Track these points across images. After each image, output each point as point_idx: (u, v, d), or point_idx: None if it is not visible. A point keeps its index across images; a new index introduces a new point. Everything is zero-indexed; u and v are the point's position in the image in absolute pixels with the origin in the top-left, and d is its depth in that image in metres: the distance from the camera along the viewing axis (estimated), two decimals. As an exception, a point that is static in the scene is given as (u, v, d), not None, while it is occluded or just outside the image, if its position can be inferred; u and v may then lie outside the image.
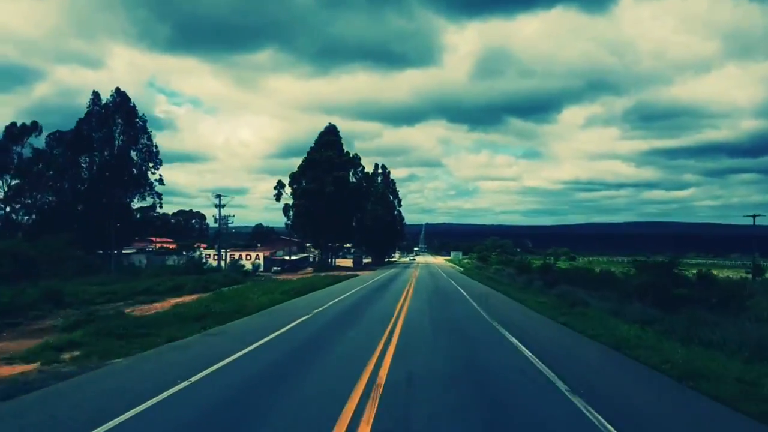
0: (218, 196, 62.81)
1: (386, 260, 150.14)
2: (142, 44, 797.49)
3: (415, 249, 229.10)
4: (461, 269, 75.52)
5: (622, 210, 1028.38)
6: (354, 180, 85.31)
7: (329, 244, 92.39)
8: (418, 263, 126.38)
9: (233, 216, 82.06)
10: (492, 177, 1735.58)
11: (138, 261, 64.10)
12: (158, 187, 62.80)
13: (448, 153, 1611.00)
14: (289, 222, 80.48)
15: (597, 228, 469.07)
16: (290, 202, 79.62)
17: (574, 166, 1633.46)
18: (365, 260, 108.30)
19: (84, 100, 74.13)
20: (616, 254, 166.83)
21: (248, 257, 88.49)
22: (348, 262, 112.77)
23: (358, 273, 68.68)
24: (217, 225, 74.14)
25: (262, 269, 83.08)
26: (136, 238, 73.57)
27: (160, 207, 72.60)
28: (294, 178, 78.37)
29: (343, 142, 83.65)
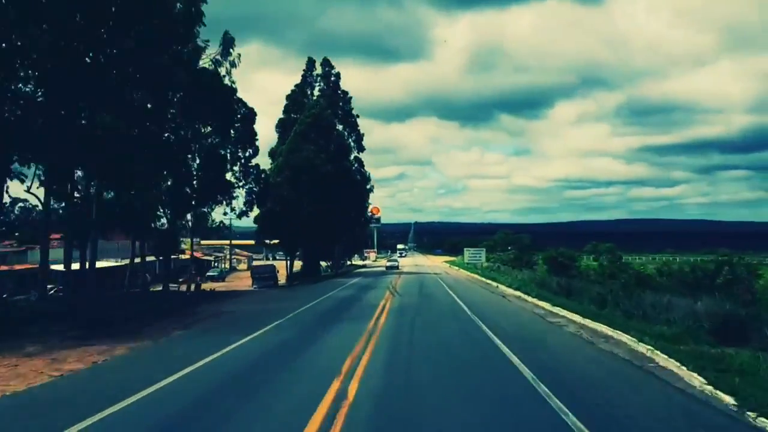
0: None
1: (348, 263, 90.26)
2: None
3: (399, 247, 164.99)
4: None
5: (612, 207, 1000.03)
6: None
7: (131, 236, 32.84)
8: (402, 268, 67.10)
9: None
10: (482, 175, 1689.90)
11: None
12: None
13: (438, 151, 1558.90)
14: None
15: (586, 226, 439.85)
16: None
17: (564, 164, 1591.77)
18: (280, 264, 48.56)
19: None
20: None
21: None
22: (243, 280, 54.06)
23: None
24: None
25: None
26: None
27: None
28: None
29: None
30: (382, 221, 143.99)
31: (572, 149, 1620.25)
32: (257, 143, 40.02)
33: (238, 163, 39.37)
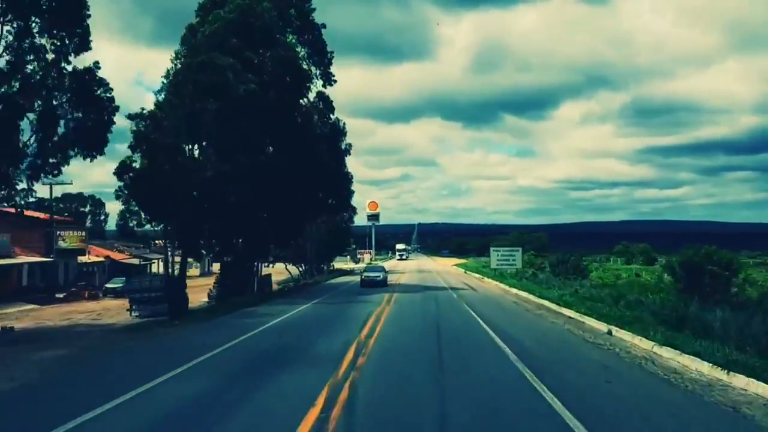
0: None
1: (333, 268, 69.08)
2: (125, 37, 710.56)
3: (399, 247, 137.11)
4: None
5: (615, 209, 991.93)
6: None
7: None
8: (399, 279, 45.45)
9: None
10: (485, 176, 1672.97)
11: None
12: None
13: (442, 151, 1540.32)
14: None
15: (591, 227, 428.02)
16: None
17: (568, 165, 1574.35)
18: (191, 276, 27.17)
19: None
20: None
21: None
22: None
23: None
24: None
25: None
26: None
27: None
28: None
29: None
30: (385, 222, 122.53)
31: (576, 150, 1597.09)
32: (86, 25, 19.12)
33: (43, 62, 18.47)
